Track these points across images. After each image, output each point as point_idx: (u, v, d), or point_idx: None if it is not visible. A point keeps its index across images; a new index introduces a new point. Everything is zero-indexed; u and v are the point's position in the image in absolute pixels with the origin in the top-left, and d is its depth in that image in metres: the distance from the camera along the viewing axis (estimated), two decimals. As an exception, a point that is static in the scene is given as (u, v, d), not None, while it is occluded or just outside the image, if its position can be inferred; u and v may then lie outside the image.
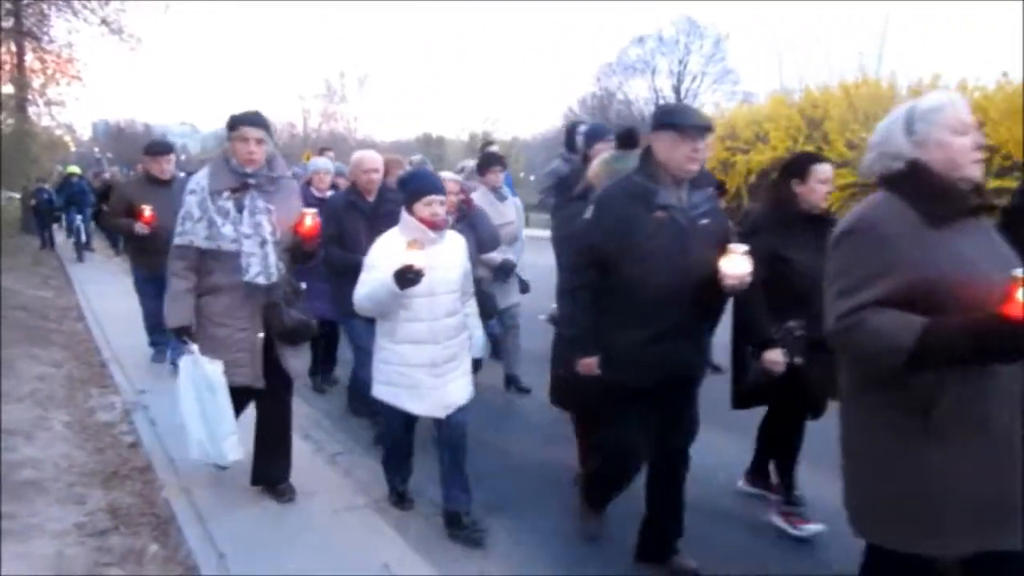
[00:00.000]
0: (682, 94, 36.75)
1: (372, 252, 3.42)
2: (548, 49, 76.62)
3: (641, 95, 37.90)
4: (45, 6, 16.01)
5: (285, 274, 3.62)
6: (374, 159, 4.82)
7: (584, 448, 4.05)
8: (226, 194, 3.48)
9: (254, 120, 3.55)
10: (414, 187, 3.45)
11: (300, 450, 4.55)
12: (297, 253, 3.70)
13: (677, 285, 2.90)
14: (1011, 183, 14.75)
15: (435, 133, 43.38)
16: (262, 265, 3.48)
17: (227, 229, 3.45)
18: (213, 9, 72.63)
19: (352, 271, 4.22)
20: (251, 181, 3.51)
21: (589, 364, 3.10)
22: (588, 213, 3.09)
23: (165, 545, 3.37)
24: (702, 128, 2.92)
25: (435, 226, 3.38)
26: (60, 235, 16.90)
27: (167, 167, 5.90)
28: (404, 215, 3.42)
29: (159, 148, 6.00)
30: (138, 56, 19.38)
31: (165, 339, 6.02)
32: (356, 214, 4.66)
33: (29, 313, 8.50)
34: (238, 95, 76.77)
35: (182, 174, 8.97)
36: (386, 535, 3.54)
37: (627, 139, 4.47)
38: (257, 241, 3.47)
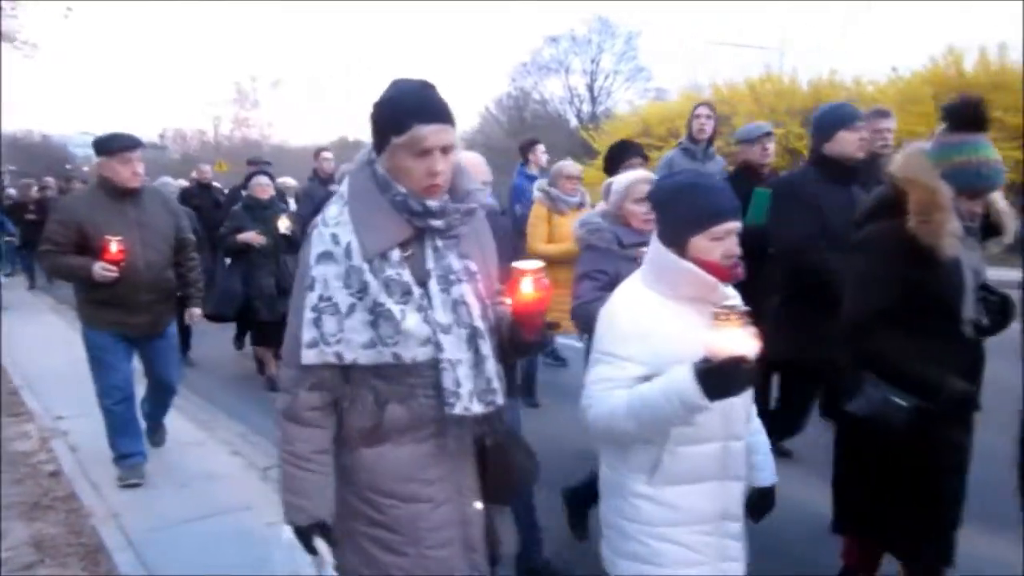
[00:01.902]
0: (596, 92, 37.41)
1: (610, 326, 1.98)
2: (462, 49, 76.69)
3: (556, 94, 38.43)
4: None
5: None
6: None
7: None
8: (396, 254, 1.78)
9: (438, 111, 1.78)
10: (700, 207, 1.95)
11: (229, 465, 4.56)
12: (513, 343, 1.91)
13: None
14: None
15: (352, 136, 42.73)
16: (475, 378, 1.82)
17: (413, 322, 1.75)
18: (113, 12, 69.53)
19: None
20: (436, 223, 1.81)
21: None
22: None
23: (95, 575, 3.31)
24: None
25: (731, 276, 1.97)
26: None
27: (139, 170, 4.00)
28: (665, 256, 1.95)
29: (124, 142, 3.96)
30: (34, 63, 18.46)
31: (140, 446, 4.36)
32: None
33: (-72, 341, 8.05)
34: (142, 102, 73.97)
35: (168, 180, 7.71)
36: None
37: (970, 116, 2.44)
38: (463, 335, 1.82)
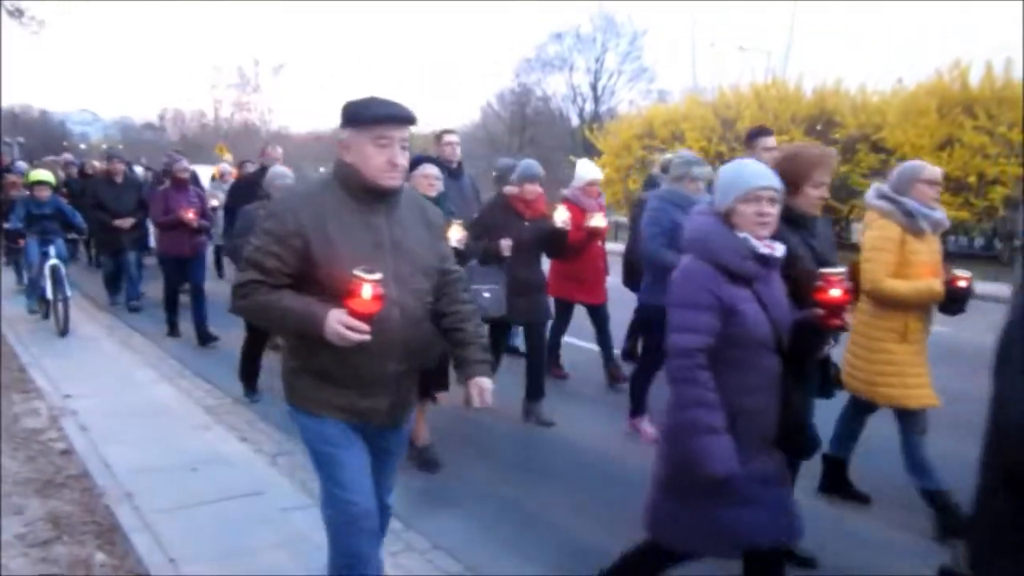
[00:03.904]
0: (599, 91, 37.46)
1: None
2: (467, 43, 76.53)
3: (559, 91, 38.45)
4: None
5: None
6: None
7: None
8: None
9: None
10: None
11: (239, 452, 4.58)
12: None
13: None
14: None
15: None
16: None
17: None
18: (115, -9, 68.82)
19: None
20: None
21: None
22: None
23: (112, 554, 3.33)
24: None
25: None
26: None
27: (402, 159, 2.41)
28: None
29: (385, 112, 2.37)
30: (39, 39, 18.39)
31: None
32: None
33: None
34: (143, 81, 73.44)
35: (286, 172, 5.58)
36: (336, 533, 3.61)
37: None
38: None
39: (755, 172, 2.52)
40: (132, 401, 5.46)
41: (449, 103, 72.40)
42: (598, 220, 5.26)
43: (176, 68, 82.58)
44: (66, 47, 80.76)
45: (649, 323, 4.99)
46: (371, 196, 2.38)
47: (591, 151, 23.23)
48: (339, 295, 2.24)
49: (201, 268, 7.97)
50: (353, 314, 2.21)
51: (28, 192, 8.27)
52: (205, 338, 7.49)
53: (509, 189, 5.24)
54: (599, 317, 6.24)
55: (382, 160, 2.34)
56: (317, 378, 2.47)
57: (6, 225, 8.02)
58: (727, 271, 2.42)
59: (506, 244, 4.89)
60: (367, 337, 2.23)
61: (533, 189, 5.13)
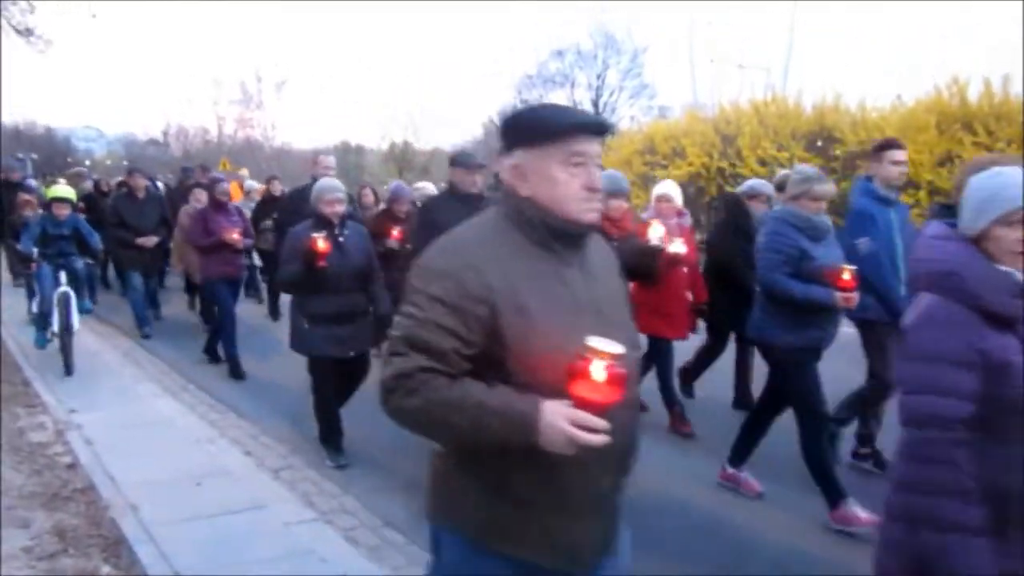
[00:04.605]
0: (600, 107, 37.63)
1: None
2: (469, 59, 76.96)
3: (561, 107, 38.63)
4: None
5: None
6: None
7: None
8: None
9: None
10: None
11: (243, 465, 4.62)
12: None
13: None
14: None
15: (354, 141, 42.85)
16: None
17: None
18: (122, 7, 69.20)
19: None
20: None
21: None
22: None
23: (117, 566, 3.37)
24: None
25: None
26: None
27: (597, 177, 1.76)
28: None
29: (570, 122, 1.71)
30: (45, 57, 18.59)
31: None
32: None
33: (-63, 330, 8.09)
34: (146, 98, 73.91)
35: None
36: (339, 546, 3.64)
37: None
38: None
39: (1021, 186, 1.91)
40: (136, 415, 5.50)
41: (451, 120, 72.76)
42: (677, 246, 4.59)
43: (179, 85, 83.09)
44: (70, 63, 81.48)
45: (785, 368, 4.08)
46: (562, 240, 1.71)
47: (592, 167, 23.29)
48: (534, 384, 1.58)
49: (238, 292, 7.72)
50: (583, 405, 1.49)
51: (44, 210, 7.39)
52: (213, 355, 7.43)
53: None
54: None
55: (576, 186, 1.68)
56: (504, 503, 1.69)
57: (18, 246, 7.25)
58: (989, 314, 1.87)
59: None
60: (606, 438, 1.51)
61: (619, 205, 4.55)
